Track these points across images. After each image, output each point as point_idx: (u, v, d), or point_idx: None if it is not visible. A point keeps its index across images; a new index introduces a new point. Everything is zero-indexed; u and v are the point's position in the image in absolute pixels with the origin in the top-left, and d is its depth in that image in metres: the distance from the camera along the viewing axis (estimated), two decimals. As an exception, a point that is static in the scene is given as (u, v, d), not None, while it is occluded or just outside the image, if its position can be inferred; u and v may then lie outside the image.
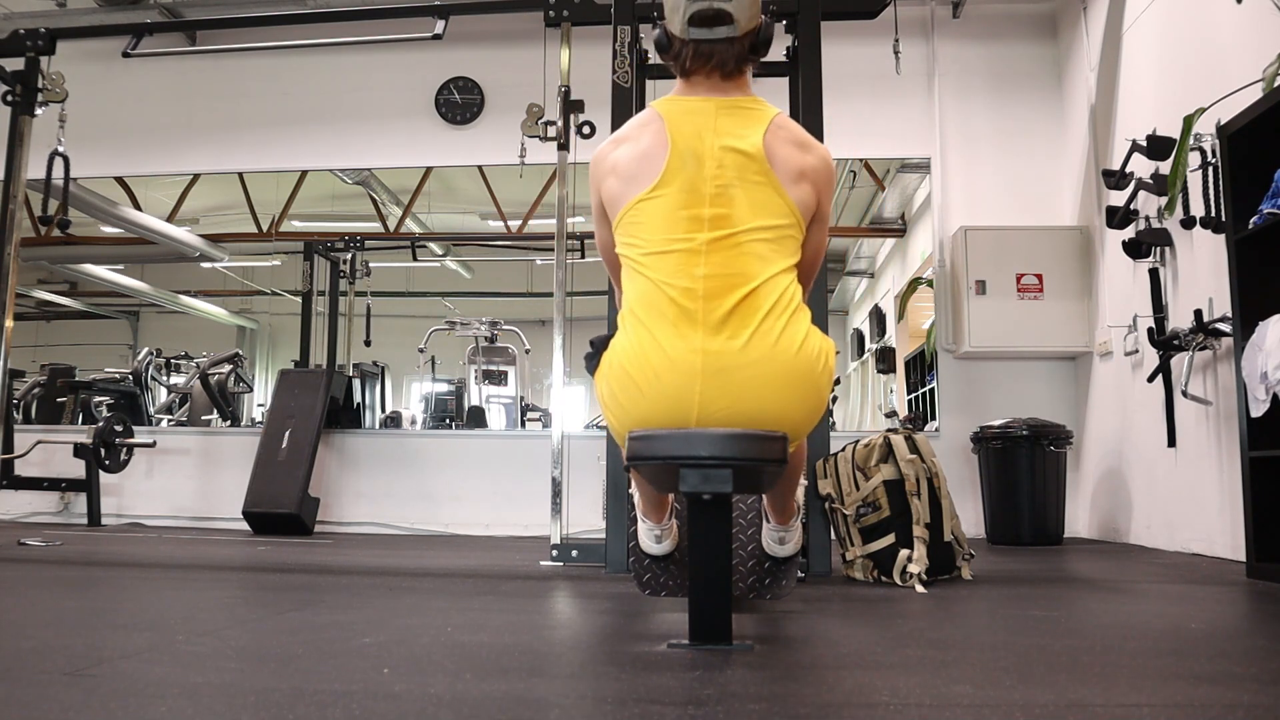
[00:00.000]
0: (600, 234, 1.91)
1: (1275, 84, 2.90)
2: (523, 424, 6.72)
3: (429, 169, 6.48)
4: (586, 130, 3.69)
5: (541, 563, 3.47)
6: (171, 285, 8.18)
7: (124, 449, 5.46)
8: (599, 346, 1.81)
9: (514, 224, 6.79)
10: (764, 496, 2.10)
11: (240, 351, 6.93)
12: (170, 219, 6.91)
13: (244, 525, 5.08)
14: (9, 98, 4.04)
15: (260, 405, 7.31)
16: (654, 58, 3.69)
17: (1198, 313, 3.62)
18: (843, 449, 3.05)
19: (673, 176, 1.70)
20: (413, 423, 6.84)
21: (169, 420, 6.88)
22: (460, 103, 5.87)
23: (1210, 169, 3.50)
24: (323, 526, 5.37)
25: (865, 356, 7.38)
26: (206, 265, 7.76)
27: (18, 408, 6.48)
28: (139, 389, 6.83)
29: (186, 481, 5.72)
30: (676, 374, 1.65)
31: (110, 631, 1.87)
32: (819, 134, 3.20)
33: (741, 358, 1.64)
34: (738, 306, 1.65)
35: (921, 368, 6.08)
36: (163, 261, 7.79)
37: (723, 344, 1.64)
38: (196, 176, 6.52)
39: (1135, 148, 4.04)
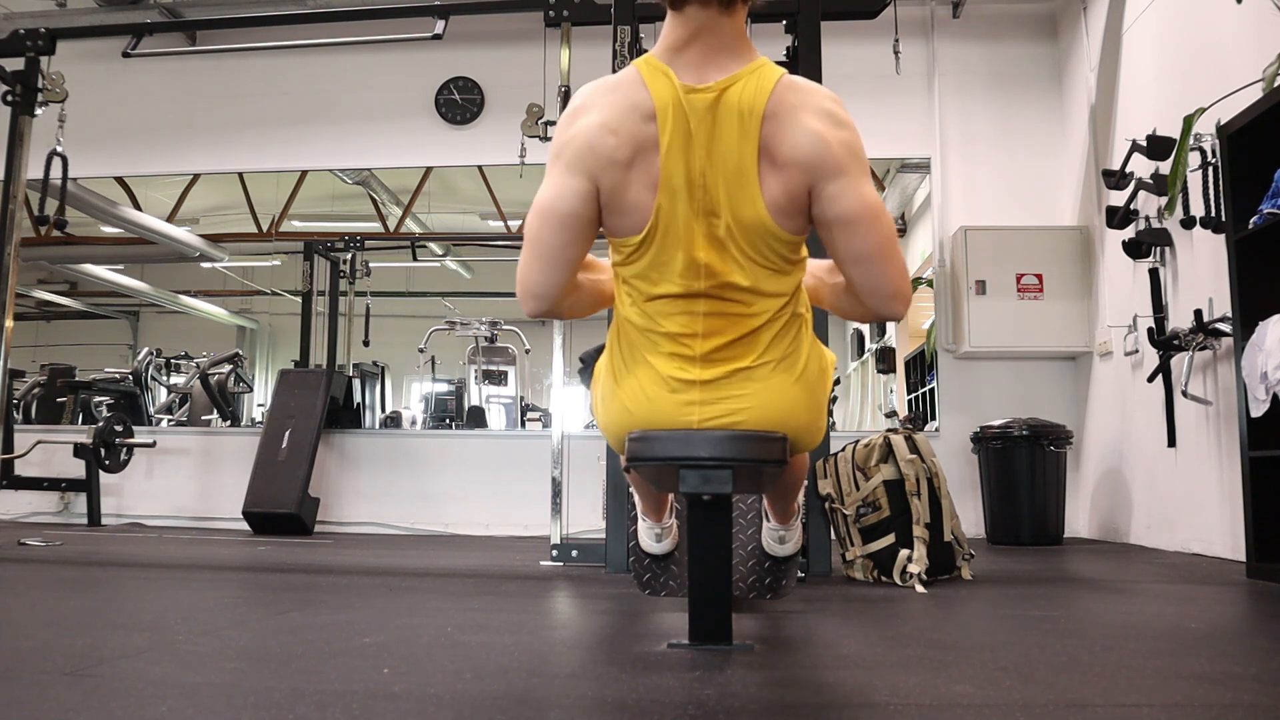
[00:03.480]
0: (560, 183, 1.56)
1: (1275, 84, 2.90)
2: (523, 424, 6.72)
3: (429, 169, 6.49)
4: (586, 130, 3.69)
5: (541, 563, 3.47)
6: (171, 285, 8.18)
7: (124, 449, 5.46)
8: (589, 361, 1.78)
9: (514, 224, 6.79)
10: (764, 497, 2.09)
11: (240, 351, 6.93)
12: (170, 219, 6.91)
13: (244, 525, 5.08)
14: (9, 98, 4.04)
15: (260, 405, 7.31)
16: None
17: (1198, 313, 3.62)
18: (843, 449, 3.05)
19: (664, 213, 1.54)
20: (413, 423, 6.84)
21: (169, 420, 6.88)
22: (460, 103, 5.87)
23: (1210, 169, 3.50)
24: (323, 526, 5.37)
25: (865, 356, 7.38)
26: (206, 265, 7.76)
27: (18, 408, 6.48)
28: (139, 389, 6.84)
29: (186, 481, 5.72)
30: (673, 403, 1.62)
31: (110, 631, 1.87)
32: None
33: (740, 388, 1.61)
34: (737, 343, 1.60)
35: (921, 368, 6.08)
36: (163, 261, 7.80)
37: (720, 374, 1.60)
38: (196, 176, 6.52)
39: (1135, 148, 4.04)
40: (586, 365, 1.80)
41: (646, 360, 1.64)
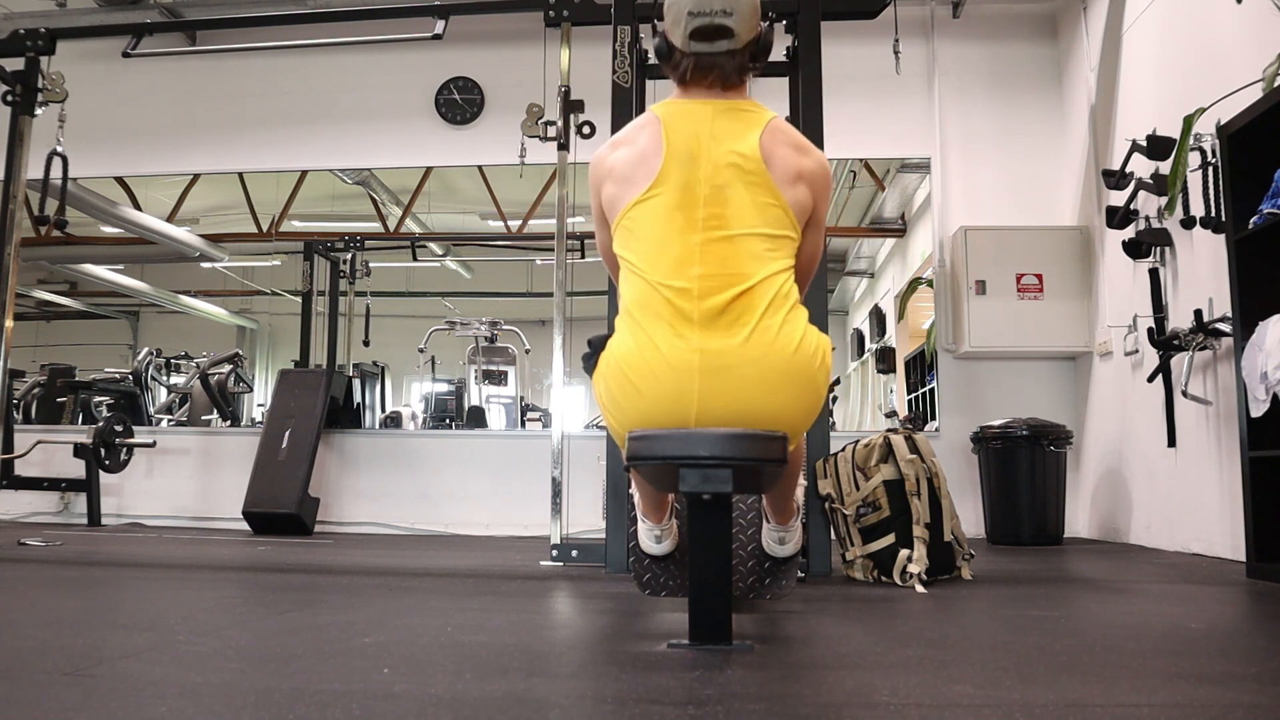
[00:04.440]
0: (601, 236, 1.92)
1: (1275, 84, 2.90)
2: (523, 424, 6.72)
3: (429, 169, 6.48)
4: (586, 130, 3.69)
5: (541, 563, 3.47)
6: (171, 285, 8.18)
7: (124, 449, 5.46)
8: (596, 347, 1.81)
9: (514, 224, 6.79)
10: (764, 496, 2.10)
11: (240, 351, 6.92)
12: (170, 219, 6.91)
13: (244, 525, 5.08)
14: (9, 98, 4.04)
15: (260, 405, 7.31)
16: (654, 58, 3.69)
17: (1198, 313, 3.62)
18: (843, 449, 3.05)
19: (668, 177, 1.71)
20: (413, 417, 6.83)
21: (169, 420, 6.88)
22: (460, 103, 5.87)
23: (1210, 169, 3.50)
24: (323, 526, 5.37)
25: (865, 356, 7.38)
26: (206, 265, 7.76)
27: (18, 408, 6.47)
28: (139, 389, 6.83)
29: (186, 481, 5.72)
30: (674, 373, 1.66)
31: (110, 631, 1.87)
32: (819, 135, 3.20)
33: (739, 355, 1.65)
34: (733, 304, 1.66)
35: (921, 368, 6.08)
36: (163, 261, 7.79)
37: (720, 342, 1.65)
38: (196, 176, 6.52)
39: (1135, 148, 4.04)
40: (594, 351, 1.82)
41: (649, 332, 1.69)
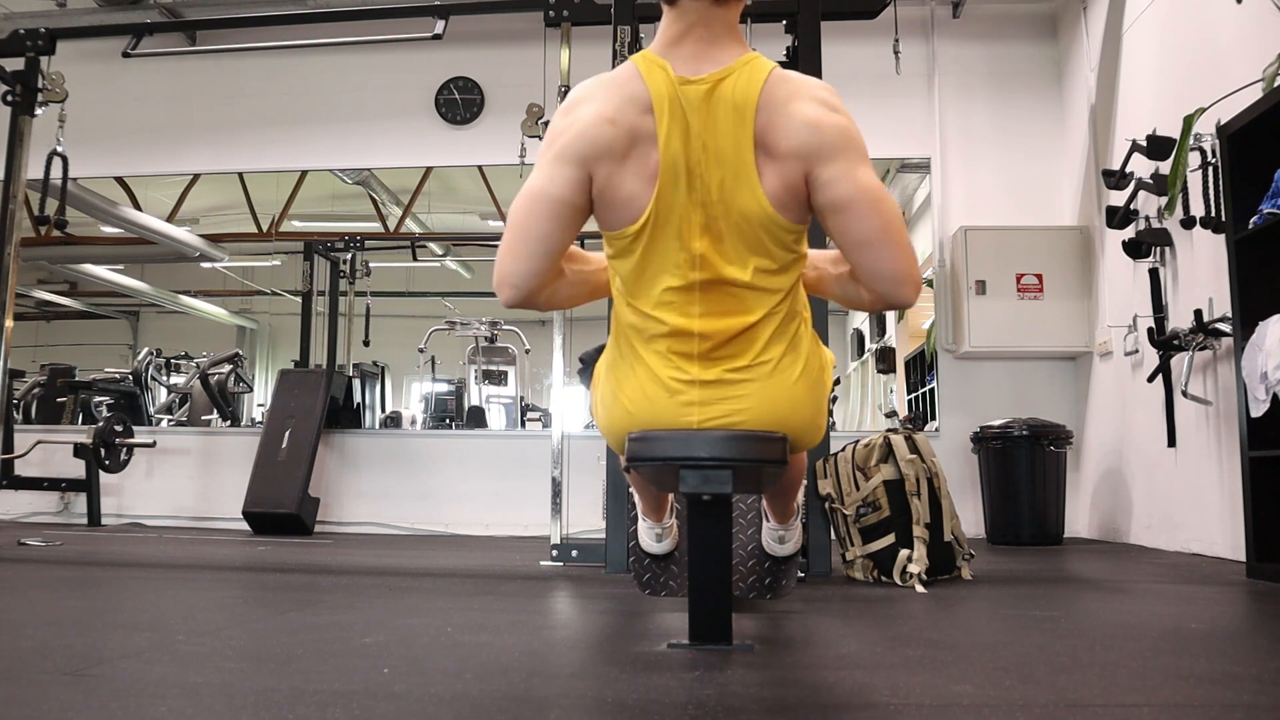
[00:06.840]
0: (554, 186, 1.54)
1: (1275, 84, 2.90)
2: (523, 424, 6.72)
3: (429, 169, 6.49)
4: (586, 130, 3.69)
5: (541, 563, 3.47)
6: (171, 285, 8.19)
7: (124, 449, 5.46)
8: (589, 362, 1.78)
9: (514, 224, 6.78)
10: (764, 497, 2.09)
11: (240, 351, 6.93)
12: (170, 219, 6.91)
13: (244, 525, 5.08)
14: (9, 98, 4.04)
15: (260, 405, 7.31)
16: None
17: (1198, 313, 3.62)
18: (843, 449, 3.05)
19: (663, 203, 1.55)
20: (413, 422, 6.83)
21: (169, 420, 6.88)
22: (460, 103, 5.87)
23: (1210, 169, 3.50)
24: (323, 526, 5.37)
25: (865, 356, 7.38)
26: (206, 265, 7.76)
27: (18, 408, 6.48)
28: (139, 389, 6.84)
29: (186, 481, 5.72)
30: (673, 404, 1.62)
31: (110, 631, 1.87)
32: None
33: (739, 389, 1.60)
34: (734, 340, 1.59)
35: (921, 368, 6.08)
36: (163, 261, 7.81)
37: (719, 374, 1.60)
38: (196, 176, 6.52)
39: (1135, 148, 4.04)
40: (586, 366, 1.80)
41: (645, 360, 1.63)
